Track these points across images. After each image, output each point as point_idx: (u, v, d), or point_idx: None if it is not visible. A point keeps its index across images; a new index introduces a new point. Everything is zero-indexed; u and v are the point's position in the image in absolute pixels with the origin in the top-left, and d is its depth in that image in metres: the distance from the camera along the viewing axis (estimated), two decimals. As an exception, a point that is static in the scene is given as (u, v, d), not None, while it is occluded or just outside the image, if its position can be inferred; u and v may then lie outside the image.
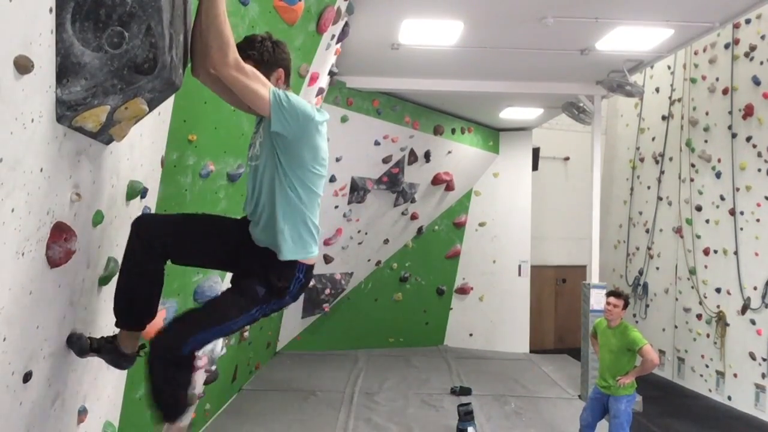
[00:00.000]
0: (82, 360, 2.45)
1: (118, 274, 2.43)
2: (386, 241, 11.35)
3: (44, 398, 2.13)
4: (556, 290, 13.60)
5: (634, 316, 11.43)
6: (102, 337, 2.43)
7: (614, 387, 5.76)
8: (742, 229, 8.86)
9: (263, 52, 2.48)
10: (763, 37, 8.53)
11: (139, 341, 2.48)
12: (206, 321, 2.42)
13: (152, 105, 2.08)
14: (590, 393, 6.46)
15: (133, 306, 2.41)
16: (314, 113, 2.43)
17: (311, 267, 2.54)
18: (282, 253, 2.41)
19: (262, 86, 2.32)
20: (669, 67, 10.71)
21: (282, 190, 2.41)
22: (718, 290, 9.29)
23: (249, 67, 2.29)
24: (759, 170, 8.54)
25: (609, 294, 6.06)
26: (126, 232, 2.46)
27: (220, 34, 2.18)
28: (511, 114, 10.78)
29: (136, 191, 2.69)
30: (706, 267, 9.64)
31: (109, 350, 2.42)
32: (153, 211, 3.44)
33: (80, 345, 2.28)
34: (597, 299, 8.37)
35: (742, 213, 8.86)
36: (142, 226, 2.44)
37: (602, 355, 5.96)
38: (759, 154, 8.52)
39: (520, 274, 12.11)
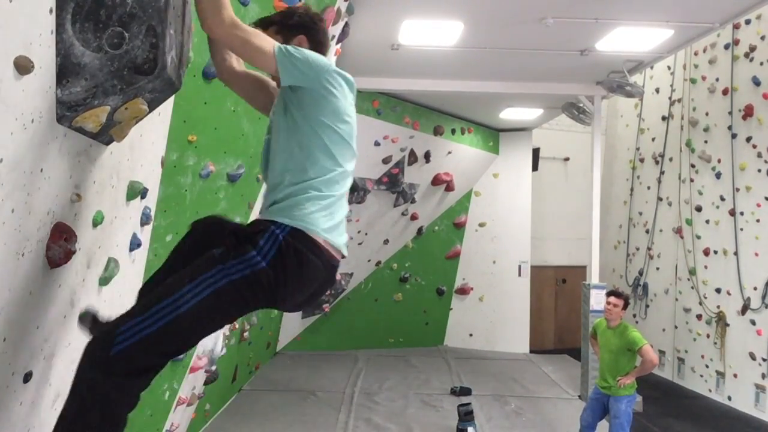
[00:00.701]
0: (82, 360, 2.45)
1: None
2: (386, 242, 11.35)
3: (44, 398, 2.13)
4: (556, 290, 13.61)
5: (634, 316, 11.43)
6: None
7: (614, 387, 5.76)
8: (742, 229, 8.86)
9: (289, 17, 2.30)
10: (763, 38, 8.53)
11: None
12: (141, 305, 1.88)
13: (152, 105, 2.08)
14: (590, 393, 6.46)
15: None
16: (330, 63, 2.17)
17: (302, 234, 1.96)
18: (264, 210, 2.04)
19: (265, 41, 2.08)
20: (669, 68, 10.71)
21: (289, 149, 2.08)
22: (718, 290, 9.29)
23: (249, 27, 2.10)
24: (759, 170, 8.54)
25: (609, 294, 6.07)
26: (126, 232, 2.46)
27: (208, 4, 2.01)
28: (511, 114, 10.78)
29: (136, 191, 2.69)
30: (706, 267, 9.63)
31: None
32: (153, 212, 3.44)
33: (92, 323, 2.05)
34: (597, 299, 8.37)
35: (742, 213, 8.86)
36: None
37: (602, 355, 5.96)
38: (759, 155, 8.52)
39: (520, 275, 12.12)
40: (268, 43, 2.09)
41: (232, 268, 1.85)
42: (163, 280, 1.98)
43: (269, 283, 1.90)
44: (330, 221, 2.09)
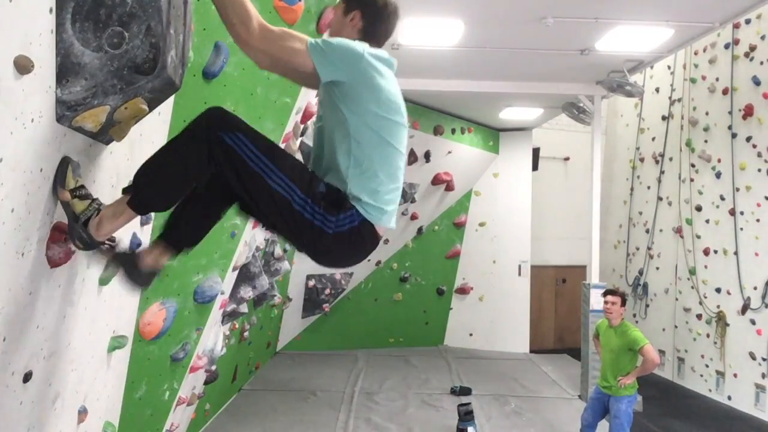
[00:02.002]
0: (82, 360, 2.45)
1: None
2: (386, 241, 11.34)
3: (44, 398, 2.13)
4: (556, 290, 13.61)
5: (634, 316, 11.43)
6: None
7: (615, 387, 5.76)
8: (742, 229, 8.86)
9: None
10: (763, 37, 8.53)
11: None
12: (260, 140, 2.06)
13: (152, 105, 2.08)
14: (591, 393, 6.46)
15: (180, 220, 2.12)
16: (363, 49, 2.14)
17: (370, 225, 2.15)
18: (343, 182, 2.14)
19: (297, 41, 2.09)
20: (669, 67, 10.71)
21: (343, 143, 2.14)
22: (718, 290, 9.29)
23: (277, 28, 2.11)
24: (759, 170, 8.54)
25: (605, 293, 6.08)
26: (126, 232, 2.45)
27: (237, 7, 2.03)
28: (511, 114, 10.78)
29: (136, 191, 2.68)
30: (706, 267, 9.63)
31: (126, 259, 2.15)
32: (153, 214, 3.44)
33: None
34: (597, 299, 8.36)
35: (742, 213, 8.86)
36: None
37: (604, 355, 5.97)
38: (759, 154, 8.52)
39: (520, 274, 12.11)
40: (300, 42, 2.09)
41: (310, 208, 2.06)
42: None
43: (324, 244, 2.12)
44: (390, 207, 2.24)
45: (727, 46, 9.18)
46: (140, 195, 2.03)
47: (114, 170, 2.38)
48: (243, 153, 2.01)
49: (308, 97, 5.09)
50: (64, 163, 1.91)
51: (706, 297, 9.58)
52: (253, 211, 2.23)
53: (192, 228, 2.25)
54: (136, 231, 2.98)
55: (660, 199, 11.07)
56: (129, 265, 2.16)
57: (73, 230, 1.98)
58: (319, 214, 2.06)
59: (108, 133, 2.09)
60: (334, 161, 2.16)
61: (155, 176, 2.03)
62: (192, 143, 2.01)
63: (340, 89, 2.12)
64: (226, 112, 2.11)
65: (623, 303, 5.90)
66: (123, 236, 2.51)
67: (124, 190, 2.07)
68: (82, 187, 1.98)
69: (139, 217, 3.01)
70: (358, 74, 2.12)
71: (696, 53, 9.93)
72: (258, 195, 2.08)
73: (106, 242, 2.10)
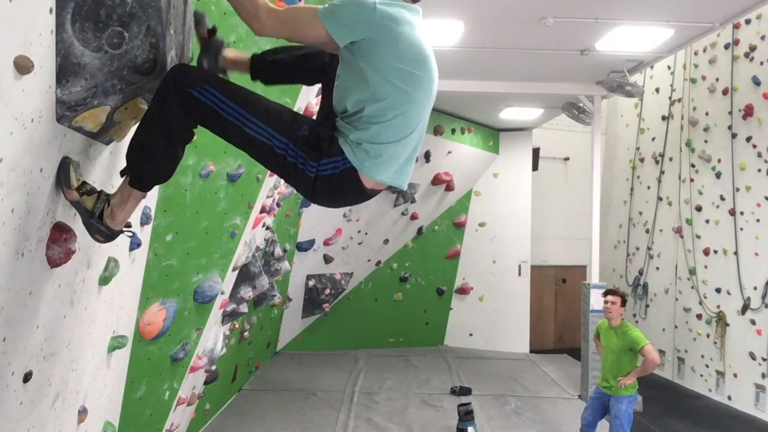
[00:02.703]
0: (82, 360, 2.45)
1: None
2: (386, 242, 11.35)
3: (44, 398, 2.13)
4: (556, 290, 13.61)
5: (634, 316, 11.43)
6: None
7: (615, 387, 5.76)
8: (742, 229, 8.86)
9: None
10: (763, 38, 8.53)
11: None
12: (230, 90, 2.05)
13: (152, 105, 2.07)
14: (591, 393, 6.47)
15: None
16: (373, 0, 2.05)
17: (353, 175, 2.08)
18: (343, 126, 2.10)
19: (306, 15, 2.07)
20: (669, 68, 10.71)
21: (359, 93, 2.06)
22: (718, 290, 9.29)
23: (285, 10, 2.09)
24: (759, 170, 8.54)
25: (605, 293, 6.08)
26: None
27: (243, 4, 2.06)
28: (511, 114, 10.78)
29: (136, 191, 2.68)
30: (706, 267, 9.64)
31: (215, 46, 2.22)
32: (153, 211, 3.45)
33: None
34: (597, 299, 8.37)
35: (742, 213, 8.86)
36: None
37: (604, 355, 5.97)
38: (759, 154, 8.52)
39: (520, 274, 12.12)
40: (309, 15, 2.06)
41: (293, 152, 2.05)
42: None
43: (305, 186, 2.11)
44: (394, 162, 2.15)
45: (727, 46, 9.18)
46: (137, 173, 2.03)
47: (114, 170, 2.38)
48: (215, 105, 2.00)
49: (308, 97, 5.09)
50: (66, 164, 1.91)
51: (706, 297, 9.58)
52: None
53: (278, 70, 2.36)
54: (136, 231, 2.98)
55: (660, 199, 11.07)
56: (213, 51, 2.29)
57: (90, 226, 1.99)
58: (301, 157, 2.05)
59: (108, 133, 2.10)
60: (344, 107, 2.12)
61: (143, 151, 2.01)
62: (165, 107, 1.97)
63: (358, 46, 2.05)
64: (189, 67, 2.10)
65: (623, 303, 5.90)
66: (123, 238, 2.51)
67: (122, 173, 2.07)
68: (85, 183, 1.99)
69: (138, 217, 3.02)
70: (373, 28, 2.02)
71: (696, 53, 9.93)
72: (242, 144, 2.09)
73: (124, 229, 2.11)
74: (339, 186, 2.10)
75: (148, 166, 2.03)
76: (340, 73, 2.14)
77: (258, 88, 2.32)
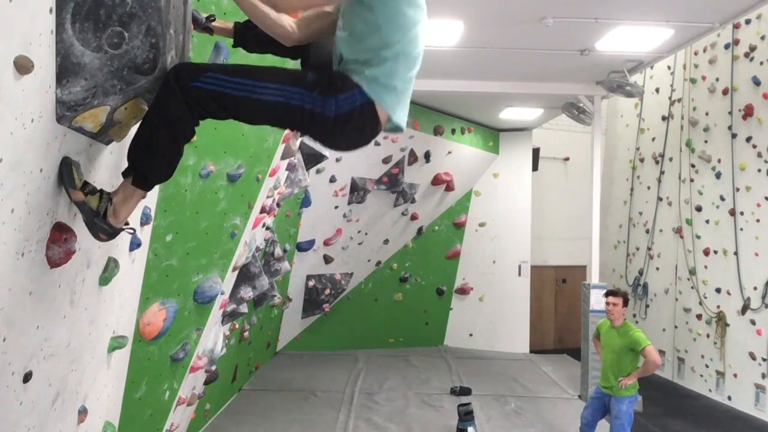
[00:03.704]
0: (82, 360, 2.45)
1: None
2: (386, 242, 11.35)
3: (44, 398, 2.13)
4: (556, 290, 13.61)
5: (634, 316, 11.43)
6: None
7: (616, 387, 5.75)
8: (742, 229, 8.86)
9: None
10: (763, 38, 8.53)
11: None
12: (230, 68, 2.13)
13: (152, 105, 2.07)
14: (591, 392, 6.46)
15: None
16: None
17: (374, 110, 2.18)
18: (350, 63, 2.20)
19: (322, 4, 2.31)
20: (669, 68, 10.71)
21: (369, 38, 2.18)
22: (718, 290, 9.29)
23: (303, 16, 2.30)
24: (759, 170, 8.54)
25: (607, 294, 6.06)
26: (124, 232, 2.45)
27: (268, 25, 2.25)
28: (511, 114, 10.78)
29: (136, 191, 2.68)
30: (706, 267, 9.64)
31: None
32: (153, 211, 3.45)
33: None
34: (597, 299, 8.37)
35: (742, 213, 8.86)
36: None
37: (605, 355, 5.96)
38: (759, 155, 8.52)
39: (520, 274, 12.12)
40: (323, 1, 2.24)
41: (309, 97, 2.10)
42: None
43: (325, 129, 2.18)
44: (403, 97, 2.27)
45: (727, 46, 9.18)
46: (141, 172, 2.06)
47: (114, 170, 2.38)
48: (223, 88, 2.05)
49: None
50: (68, 165, 1.92)
51: (706, 297, 9.58)
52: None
53: (259, 40, 2.43)
54: (137, 231, 2.98)
55: (660, 199, 11.07)
56: (196, 19, 2.41)
57: (94, 226, 2.01)
58: (318, 100, 2.11)
59: (108, 133, 2.09)
60: (356, 55, 2.21)
61: (148, 150, 2.04)
62: (170, 105, 2.00)
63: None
64: (187, 63, 2.16)
65: (625, 303, 5.89)
66: (123, 238, 2.51)
67: (124, 174, 2.09)
68: (87, 183, 2.00)
69: (138, 217, 3.02)
70: None
71: (696, 53, 9.93)
72: (258, 113, 2.15)
73: (125, 228, 2.13)
74: (359, 120, 2.18)
75: (152, 166, 2.06)
76: (344, 25, 2.26)
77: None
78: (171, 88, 1.99)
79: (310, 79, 2.13)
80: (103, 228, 2.02)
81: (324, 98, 2.11)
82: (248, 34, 2.51)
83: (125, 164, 2.08)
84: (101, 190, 2.02)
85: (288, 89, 2.10)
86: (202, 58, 3.38)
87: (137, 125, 2.11)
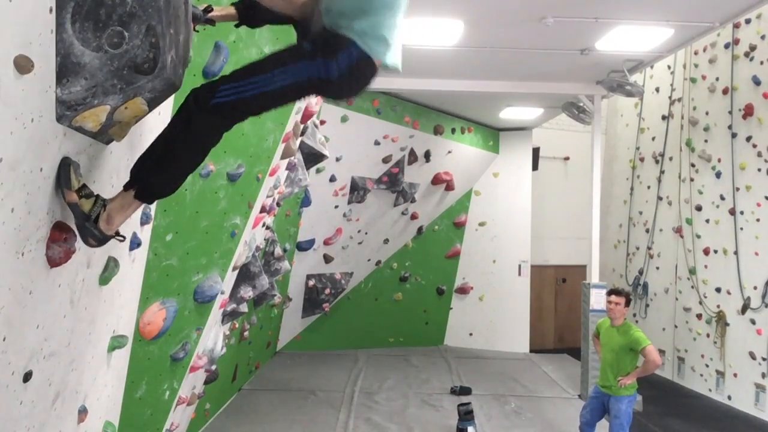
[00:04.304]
0: (82, 360, 2.45)
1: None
2: (386, 241, 11.35)
3: (44, 398, 2.13)
4: (556, 290, 13.61)
5: (634, 315, 11.43)
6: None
7: (615, 387, 5.75)
8: (742, 228, 8.86)
9: None
10: (763, 37, 8.53)
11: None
12: (237, 74, 2.21)
13: (152, 105, 2.07)
14: (591, 392, 6.46)
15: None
16: None
17: (370, 60, 2.33)
18: (340, 19, 2.32)
19: None
20: (669, 67, 10.71)
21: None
22: (718, 290, 9.29)
23: None
24: (759, 170, 8.54)
25: (609, 293, 6.05)
26: (126, 231, 2.45)
27: None
28: (511, 114, 10.78)
29: (136, 191, 2.68)
30: (706, 267, 9.64)
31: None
32: (153, 211, 3.44)
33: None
34: (597, 299, 8.38)
35: (742, 213, 8.87)
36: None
37: (604, 354, 5.95)
38: (759, 154, 8.53)
39: (520, 274, 12.12)
40: None
41: (314, 66, 2.23)
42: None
43: (334, 89, 2.35)
44: (392, 42, 2.46)
45: (727, 46, 9.18)
46: (150, 187, 2.09)
47: (114, 170, 2.38)
48: (240, 94, 2.14)
49: (308, 98, 5.09)
50: (66, 165, 1.91)
51: (706, 297, 9.59)
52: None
53: (258, 13, 2.56)
54: (136, 231, 2.98)
55: (660, 198, 11.08)
56: (196, 16, 2.46)
57: (84, 230, 2.00)
58: (322, 66, 2.23)
59: (108, 133, 2.09)
60: (340, 6, 2.33)
61: (161, 169, 2.07)
62: (197, 123, 2.08)
63: None
64: (199, 86, 2.21)
65: (627, 303, 5.87)
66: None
67: (126, 187, 2.08)
68: (85, 186, 1.99)
69: (139, 218, 3.02)
70: None
71: (696, 53, 9.93)
72: (278, 101, 2.27)
73: (115, 236, 2.12)
74: (358, 73, 2.34)
75: (165, 181, 2.11)
76: None
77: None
78: (190, 112, 2.08)
79: (308, 49, 2.25)
80: (93, 233, 2.01)
81: (326, 62, 2.23)
82: (249, 11, 2.60)
83: (126, 164, 2.08)
84: (97, 195, 2.01)
85: (293, 69, 2.21)
86: (202, 57, 3.38)
87: (152, 143, 2.15)
